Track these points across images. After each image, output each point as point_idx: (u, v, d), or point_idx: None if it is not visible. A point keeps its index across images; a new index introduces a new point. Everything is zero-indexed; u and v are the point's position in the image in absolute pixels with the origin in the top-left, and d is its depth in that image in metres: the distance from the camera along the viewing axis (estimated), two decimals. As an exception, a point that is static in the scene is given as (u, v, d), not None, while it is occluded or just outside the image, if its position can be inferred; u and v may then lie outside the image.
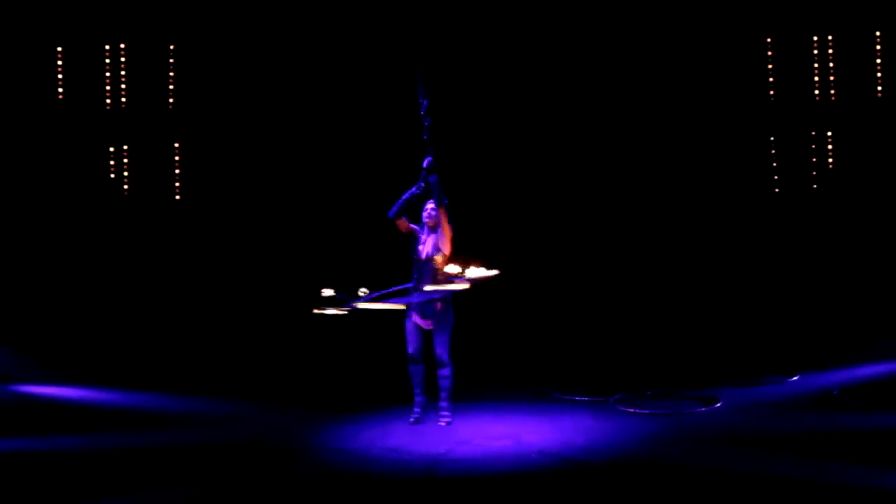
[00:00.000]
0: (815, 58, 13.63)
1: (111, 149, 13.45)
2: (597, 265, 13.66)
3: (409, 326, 10.08)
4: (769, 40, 13.65)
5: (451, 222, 9.93)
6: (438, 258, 9.93)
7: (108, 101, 13.42)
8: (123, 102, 13.44)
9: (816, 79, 13.63)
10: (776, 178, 13.69)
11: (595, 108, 13.59)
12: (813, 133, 13.64)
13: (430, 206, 10.01)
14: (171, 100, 13.54)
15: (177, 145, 13.57)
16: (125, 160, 13.47)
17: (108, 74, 13.40)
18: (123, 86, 13.44)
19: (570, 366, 12.27)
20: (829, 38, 13.60)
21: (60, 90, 13.30)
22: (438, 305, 9.92)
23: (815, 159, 13.65)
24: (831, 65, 13.60)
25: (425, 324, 9.98)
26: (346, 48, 13.50)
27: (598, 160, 13.63)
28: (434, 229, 10.01)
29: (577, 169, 13.65)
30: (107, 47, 13.39)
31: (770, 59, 13.66)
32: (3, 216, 13.06)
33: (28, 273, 13.10)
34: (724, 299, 13.44)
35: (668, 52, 13.58)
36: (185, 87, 13.54)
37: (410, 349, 10.07)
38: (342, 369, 12.33)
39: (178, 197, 13.58)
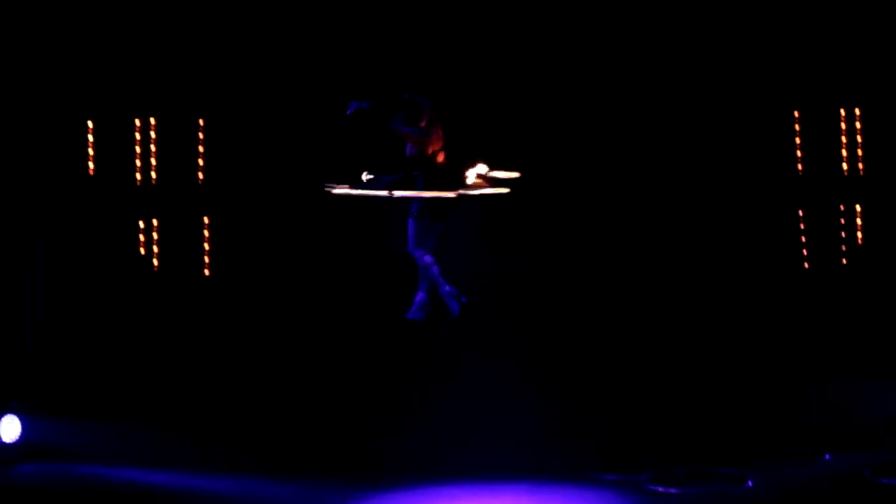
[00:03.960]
0: (843, 131, 13.65)
1: (141, 224, 13.51)
2: (624, 337, 13.61)
3: None
4: (797, 114, 13.68)
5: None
6: None
7: (138, 175, 13.49)
8: (153, 177, 13.51)
9: (844, 152, 13.65)
10: (805, 252, 13.67)
11: (621, 185, 13.59)
12: (842, 207, 13.64)
13: None
14: (200, 174, 13.61)
15: (206, 220, 13.62)
16: (155, 235, 13.52)
17: (137, 149, 13.48)
18: (153, 160, 13.52)
19: (598, 438, 12.22)
20: (857, 111, 13.62)
21: (91, 165, 13.38)
22: None
23: (844, 234, 13.63)
24: (859, 138, 13.61)
25: None
26: (373, 121, 13.52)
27: (622, 236, 13.61)
28: None
29: (600, 244, 13.63)
30: (137, 122, 13.48)
31: (798, 133, 13.68)
32: (33, 292, 13.08)
33: (58, 350, 13.10)
34: (754, 374, 13.36)
35: (694, 125, 13.60)
36: (215, 162, 13.62)
37: None
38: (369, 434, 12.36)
39: (207, 272, 13.60)
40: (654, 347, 13.56)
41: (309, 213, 13.63)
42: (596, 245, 13.63)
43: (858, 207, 13.62)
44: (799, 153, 13.68)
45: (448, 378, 12.69)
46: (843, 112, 13.64)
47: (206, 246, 13.64)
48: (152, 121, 13.50)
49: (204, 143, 13.62)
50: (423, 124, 11.22)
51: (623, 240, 13.66)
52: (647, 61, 13.58)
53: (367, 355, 13.23)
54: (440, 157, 11.25)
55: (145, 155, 13.50)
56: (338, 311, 13.55)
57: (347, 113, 10.99)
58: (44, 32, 13.08)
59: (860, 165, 13.62)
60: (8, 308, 12.96)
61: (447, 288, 10.91)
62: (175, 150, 13.56)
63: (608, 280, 13.67)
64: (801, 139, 13.67)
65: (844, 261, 13.63)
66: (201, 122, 13.60)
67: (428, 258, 11.01)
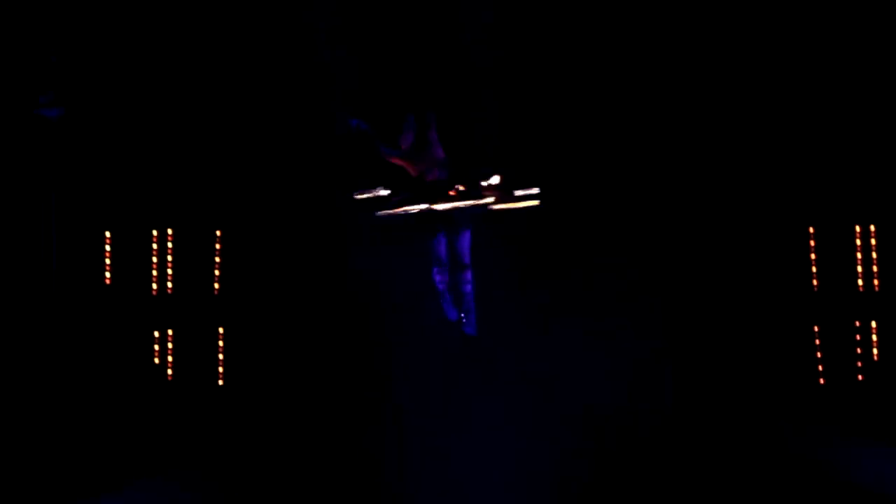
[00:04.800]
0: (858, 247, 13.65)
1: (156, 334, 13.55)
2: (638, 448, 13.53)
3: None
4: (812, 230, 13.70)
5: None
6: None
7: (154, 286, 13.56)
8: (169, 288, 13.58)
9: (860, 269, 13.64)
10: (821, 368, 13.61)
11: (636, 304, 13.60)
12: (857, 323, 13.60)
13: None
14: (216, 285, 13.66)
15: (221, 330, 13.65)
16: (169, 345, 13.56)
17: (154, 260, 13.57)
18: (170, 271, 13.60)
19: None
20: (872, 227, 13.64)
21: (108, 276, 13.45)
22: None
23: (859, 350, 13.58)
24: (874, 254, 13.61)
25: None
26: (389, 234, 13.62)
27: (639, 352, 13.59)
28: None
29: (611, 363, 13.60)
30: (154, 233, 13.58)
31: (813, 249, 13.69)
32: (49, 403, 13.10)
33: (74, 463, 13.07)
34: (768, 491, 13.25)
35: (709, 242, 13.63)
36: (230, 273, 13.68)
37: None
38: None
39: (221, 382, 13.61)
40: (665, 463, 13.46)
41: (323, 324, 13.67)
42: (606, 363, 13.62)
43: (874, 324, 13.58)
44: (814, 269, 13.67)
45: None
46: (858, 229, 13.65)
47: (221, 356, 13.65)
48: (169, 232, 13.60)
49: (220, 254, 13.69)
50: (405, 146, 11.30)
51: (638, 355, 13.64)
52: (659, 179, 13.67)
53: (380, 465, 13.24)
54: (430, 177, 11.20)
55: (162, 266, 13.59)
56: (352, 425, 13.53)
57: (353, 128, 11.06)
58: (62, 144, 13.22)
59: (875, 282, 13.60)
60: (23, 419, 12.97)
61: (446, 306, 11.05)
62: (191, 261, 13.64)
63: (621, 394, 13.63)
64: (816, 255, 13.67)
65: (860, 377, 13.55)
66: (218, 233, 13.68)
67: (435, 274, 11.10)
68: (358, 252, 13.54)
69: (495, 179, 10.97)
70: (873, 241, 13.63)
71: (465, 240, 11.17)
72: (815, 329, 13.64)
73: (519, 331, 13.28)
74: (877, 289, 13.59)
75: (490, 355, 13.13)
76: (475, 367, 13.19)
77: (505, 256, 13.27)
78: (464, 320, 11.47)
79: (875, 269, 13.62)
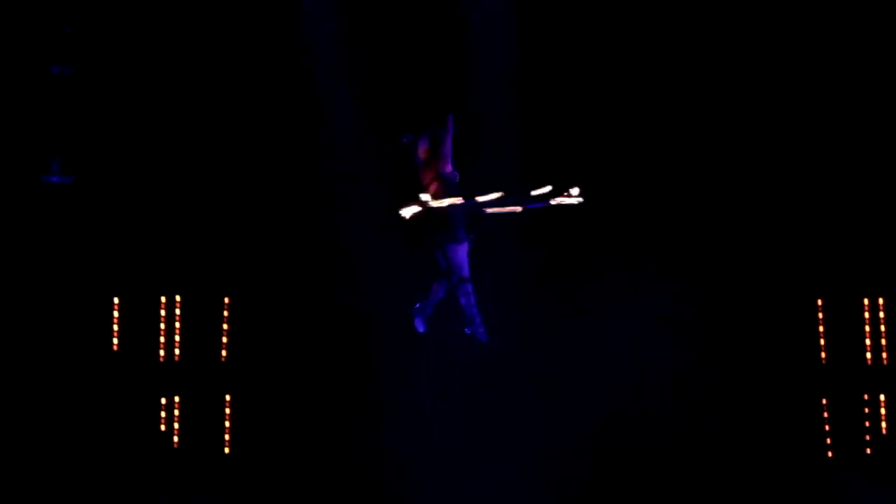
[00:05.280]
0: (867, 320, 13.65)
1: (163, 401, 13.53)
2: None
3: None
4: (820, 303, 13.70)
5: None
6: None
7: (161, 352, 13.56)
8: (177, 355, 13.58)
9: (868, 342, 13.63)
10: (829, 441, 13.57)
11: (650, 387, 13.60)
12: (865, 397, 13.58)
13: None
14: (224, 352, 13.66)
15: (228, 398, 13.64)
16: (176, 412, 13.54)
17: (162, 326, 13.57)
18: (177, 338, 13.60)
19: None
20: (881, 300, 13.66)
21: (115, 341, 13.46)
22: None
23: (868, 423, 13.55)
24: (883, 328, 13.62)
25: None
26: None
27: (654, 431, 13.56)
28: None
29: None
30: (162, 299, 13.59)
31: (821, 321, 13.68)
32: (55, 469, 13.08)
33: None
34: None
35: (719, 313, 13.63)
36: (238, 340, 13.68)
37: None
38: None
39: (227, 450, 13.58)
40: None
41: (327, 392, 13.67)
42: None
43: (882, 397, 13.57)
44: (822, 342, 13.67)
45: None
46: (866, 301, 13.66)
47: (228, 423, 13.63)
48: (177, 298, 13.61)
49: (228, 321, 13.70)
50: (420, 154, 11.32)
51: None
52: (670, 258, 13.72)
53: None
54: (433, 188, 11.20)
55: (169, 332, 13.59)
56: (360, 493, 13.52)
57: (403, 142, 11.13)
58: (71, 209, 13.28)
59: (884, 355, 13.60)
60: (29, 485, 12.95)
61: (420, 317, 11.05)
62: (199, 327, 13.65)
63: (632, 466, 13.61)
64: (824, 328, 13.67)
65: (868, 451, 13.53)
66: (226, 300, 13.70)
67: (434, 284, 11.14)
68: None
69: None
70: (882, 314, 13.65)
71: (463, 252, 11.14)
72: (824, 402, 13.63)
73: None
74: (885, 362, 13.60)
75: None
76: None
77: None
78: (468, 331, 11.42)
79: (883, 342, 13.62)
